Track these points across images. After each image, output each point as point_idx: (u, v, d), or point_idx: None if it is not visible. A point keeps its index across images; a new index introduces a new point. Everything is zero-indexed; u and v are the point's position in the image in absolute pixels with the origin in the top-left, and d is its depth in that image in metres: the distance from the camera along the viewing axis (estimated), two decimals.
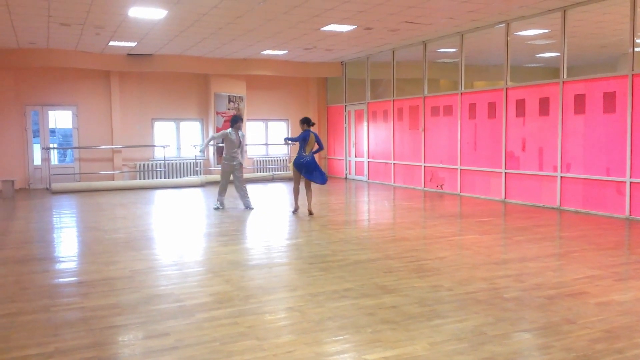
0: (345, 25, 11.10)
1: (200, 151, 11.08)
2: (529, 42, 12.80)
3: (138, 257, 6.46)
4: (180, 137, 16.58)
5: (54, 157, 15.52)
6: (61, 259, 6.69)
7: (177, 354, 3.56)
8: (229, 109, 16.44)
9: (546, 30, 11.53)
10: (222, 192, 10.42)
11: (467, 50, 12.36)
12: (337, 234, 7.83)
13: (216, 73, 15.93)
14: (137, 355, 3.58)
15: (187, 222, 9.27)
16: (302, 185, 9.84)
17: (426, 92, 13.54)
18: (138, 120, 15.89)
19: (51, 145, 15.28)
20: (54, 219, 9.90)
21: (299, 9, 9.59)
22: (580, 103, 9.69)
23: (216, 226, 8.79)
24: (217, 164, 15.76)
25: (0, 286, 5.29)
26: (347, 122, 17.15)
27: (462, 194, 12.50)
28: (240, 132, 10.31)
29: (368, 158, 16.17)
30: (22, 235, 8.16)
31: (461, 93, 12.40)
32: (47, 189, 14.65)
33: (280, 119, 17.78)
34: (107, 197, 12.89)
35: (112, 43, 12.75)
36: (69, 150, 15.59)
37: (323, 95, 18.34)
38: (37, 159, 15.02)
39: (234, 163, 10.27)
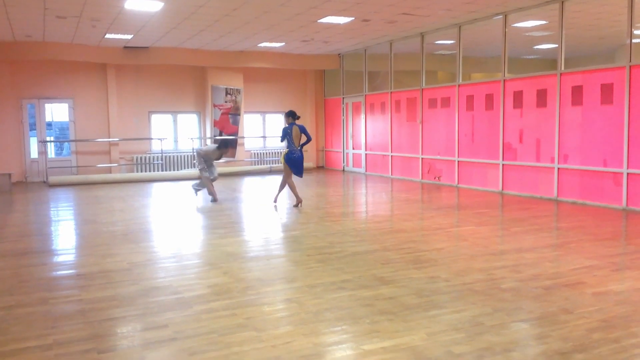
0: (342, 17, 11.06)
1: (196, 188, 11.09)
2: (526, 34, 12.78)
3: (136, 249, 6.46)
4: (178, 130, 16.55)
5: (51, 150, 15.48)
6: (59, 252, 6.69)
7: (176, 346, 3.56)
8: (226, 102, 16.41)
9: (544, 22, 11.51)
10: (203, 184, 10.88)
11: (464, 42, 12.33)
12: (335, 226, 7.84)
13: (213, 65, 15.88)
14: (135, 347, 3.58)
15: (184, 215, 9.27)
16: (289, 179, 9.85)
17: (424, 84, 13.52)
18: (135, 113, 15.85)
19: (48, 139, 15.23)
20: (52, 212, 9.89)
21: (295, 0, 9.55)
22: (577, 94, 9.69)
23: (214, 218, 8.79)
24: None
25: None
26: (344, 114, 17.13)
27: (459, 185, 12.51)
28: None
29: (366, 150, 16.16)
30: (20, 228, 8.15)
31: (459, 85, 12.38)
32: (44, 182, 14.63)
33: (278, 112, 17.74)
34: (105, 190, 12.88)
35: (108, 35, 12.69)
36: (66, 143, 15.55)
37: (320, 88, 18.31)
38: (34, 152, 14.99)
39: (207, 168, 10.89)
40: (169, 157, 16.07)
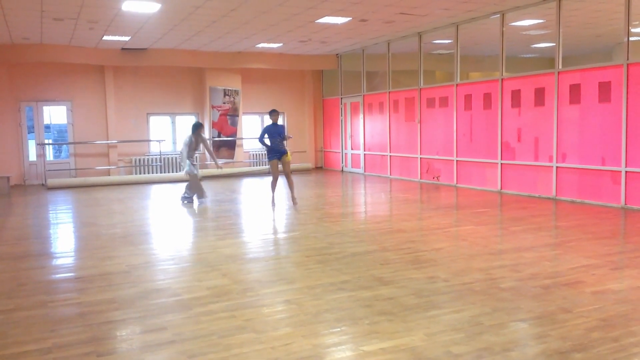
0: (340, 17, 11.06)
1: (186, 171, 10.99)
2: (524, 33, 12.78)
3: (135, 252, 6.45)
4: (176, 132, 16.54)
5: (49, 152, 15.47)
6: (58, 255, 6.68)
7: (175, 348, 3.56)
8: (224, 103, 16.39)
9: (541, 21, 11.51)
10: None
11: (462, 41, 12.34)
12: (334, 227, 7.84)
13: (211, 67, 15.88)
14: (135, 349, 3.58)
15: (183, 217, 9.27)
16: (282, 179, 9.97)
17: (422, 84, 13.52)
18: (133, 114, 15.83)
19: (46, 141, 15.22)
20: (50, 214, 9.88)
21: (293, 0, 9.54)
22: (575, 93, 9.70)
23: (213, 220, 8.79)
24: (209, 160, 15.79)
25: None
26: (342, 114, 17.13)
27: (458, 185, 12.51)
28: (202, 136, 10.72)
29: (364, 150, 16.16)
30: (19, 231, 8.14)
31: (457, 84, 12.39)
32: (42, 184, 14.61)
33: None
34: (103, 192, 12.87)
35: (106, 37, 12.68)
36: (64, 145, 15.53)
37: (319, 88, 18.30)
38: (32, 155, 14.97)
39: (195, 163, 11.00)
40: (168, 158, 16.06)
